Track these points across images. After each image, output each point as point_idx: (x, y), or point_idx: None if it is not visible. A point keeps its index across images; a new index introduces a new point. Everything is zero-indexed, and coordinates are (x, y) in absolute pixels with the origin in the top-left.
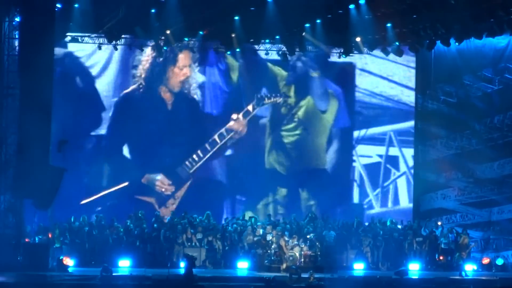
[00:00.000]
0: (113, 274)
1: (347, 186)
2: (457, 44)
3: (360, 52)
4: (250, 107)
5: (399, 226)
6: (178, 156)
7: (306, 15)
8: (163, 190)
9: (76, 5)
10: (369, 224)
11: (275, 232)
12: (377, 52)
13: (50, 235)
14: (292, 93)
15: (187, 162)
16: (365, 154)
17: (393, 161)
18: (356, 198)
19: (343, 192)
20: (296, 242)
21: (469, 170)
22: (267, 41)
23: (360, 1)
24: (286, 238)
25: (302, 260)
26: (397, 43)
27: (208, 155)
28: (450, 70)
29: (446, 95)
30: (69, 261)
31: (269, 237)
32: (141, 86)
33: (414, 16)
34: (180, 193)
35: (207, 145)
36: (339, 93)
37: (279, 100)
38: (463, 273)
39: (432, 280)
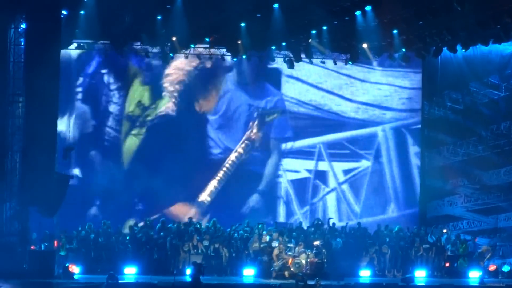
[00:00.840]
0: (119, 281)
1: (272, 203)
2: (463, 50)
3: (367, 58)
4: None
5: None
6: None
7: (312, 22)
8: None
9: (82, 12)
10: (375, 231)
11: (281, 239)
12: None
13: (56, 243)
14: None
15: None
16: (292, 169)
17: (322, 176)
18: (282, 217)
19: (267, 210)
20: (302, 249)
21: (476, 177)
22: (273, 47)
23: (366, 8)
24: (291, 245)
25: (309, 267)
26: (403, 50)
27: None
28: (456, 77)
29: (452, 101)
30: (75, 269)
31: (275, 244)
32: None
33: (421, 22)
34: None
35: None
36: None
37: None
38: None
39: (438, 287)
